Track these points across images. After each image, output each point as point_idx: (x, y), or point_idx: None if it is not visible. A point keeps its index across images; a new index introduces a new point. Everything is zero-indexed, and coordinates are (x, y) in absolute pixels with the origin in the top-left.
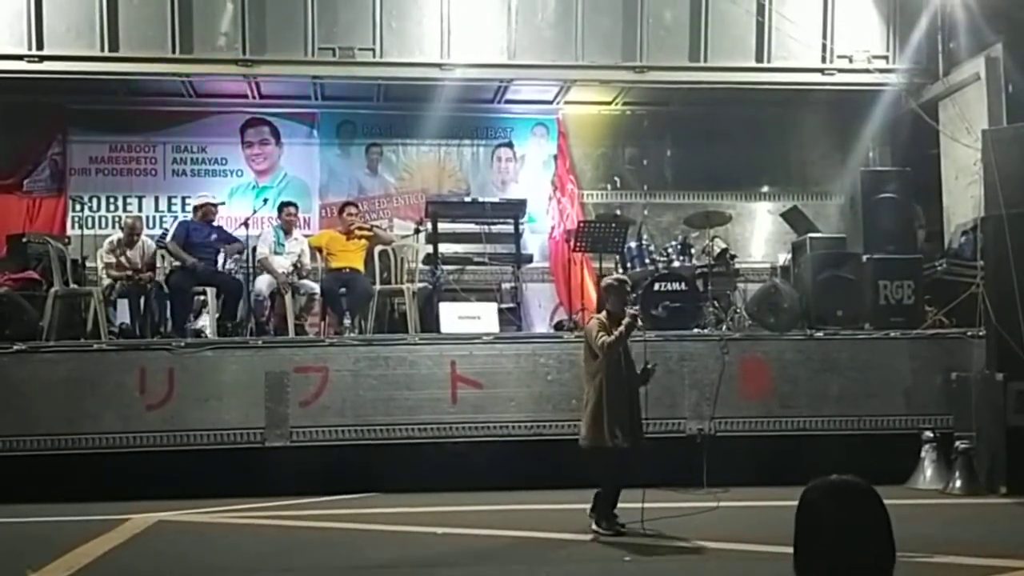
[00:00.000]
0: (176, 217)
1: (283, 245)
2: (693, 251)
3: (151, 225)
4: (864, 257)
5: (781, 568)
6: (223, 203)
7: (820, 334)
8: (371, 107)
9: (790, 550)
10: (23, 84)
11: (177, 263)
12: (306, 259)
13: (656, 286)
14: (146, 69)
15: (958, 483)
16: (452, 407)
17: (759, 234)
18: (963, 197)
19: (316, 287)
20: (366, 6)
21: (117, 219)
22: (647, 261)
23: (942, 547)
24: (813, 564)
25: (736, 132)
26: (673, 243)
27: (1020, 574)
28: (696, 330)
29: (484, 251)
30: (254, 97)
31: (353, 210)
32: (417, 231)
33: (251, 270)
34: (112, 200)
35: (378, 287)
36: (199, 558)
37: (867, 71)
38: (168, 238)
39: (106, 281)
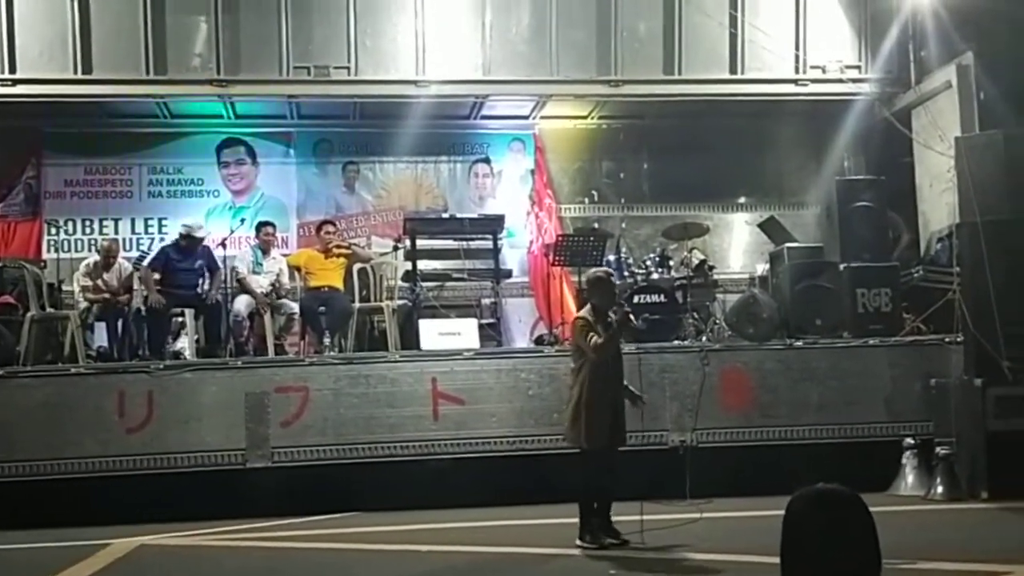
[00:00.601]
0: (153, 239)
1: (261, 265)
2: (671, 263)
3: (128, 247)
4: (841, 266)
5: None
6: (205, 234)
7: (799, 343)
8: (347, 125)
9: (775, 560)
10: None
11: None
12: (284, 278)
13: (635, 299)
14: (120, 91)
15: (939, 489)
16: (434, 424)
17: (737, 245)
18: (938, 204)
19: (295, 306)
20: (340, 24)
21: (93, 242)
22: (626, 274)
23: (925, 553)
24: (799, 573)
25: (712, 143)
26: (651, 255)
27: None
28: (676, 342)
29: (463, 267)
30: (230, 117)
31: (331, 228)
32: (395, 248)
33: (229, 290)
34: (88, 223)
35: (357, 305)
36: None
37: (840, 81)
38: (145, 262)
39: (83, 304)
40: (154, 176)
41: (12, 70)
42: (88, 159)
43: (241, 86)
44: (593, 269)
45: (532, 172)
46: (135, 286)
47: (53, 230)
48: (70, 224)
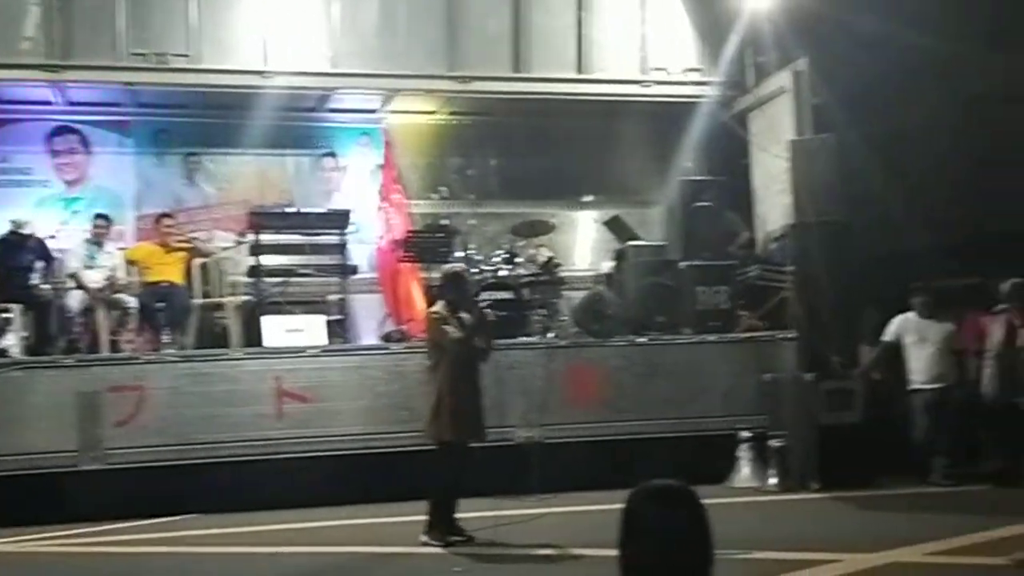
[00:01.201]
0: None
1: (95, 258)
2: (519, 260)
3: None
4: (682, 264)
5: (607, 571)
6: (33, 229)
7: (643, 340)
8: (189, 115)
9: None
10: None
11: None
12: (121, 273)
13: (483, 295)
14: None
15: (773, 480)
16: (278, 423)
17: (583, 242)
18: (774, 205)
19: (132, 302)
20: (180, 11)
21: None
22: (474, 270)
23: (759, 543)
24: (636, 566)
25: (559, 142)
26: (499, 252)
27: (832, 566)
28: (523, 338)
29: (309, 263)
30: (62, 104)
31: (170, 221)
32: (239, 243)
33: (60, 285)
34: None
35: (198, 301)
36: None
37: (682, 84)
38: None
39: None
40: None
41: None
42: None
43: (74, 72)
44: (450, 265)
45: (380, 167)
46: None
47: None
48: None
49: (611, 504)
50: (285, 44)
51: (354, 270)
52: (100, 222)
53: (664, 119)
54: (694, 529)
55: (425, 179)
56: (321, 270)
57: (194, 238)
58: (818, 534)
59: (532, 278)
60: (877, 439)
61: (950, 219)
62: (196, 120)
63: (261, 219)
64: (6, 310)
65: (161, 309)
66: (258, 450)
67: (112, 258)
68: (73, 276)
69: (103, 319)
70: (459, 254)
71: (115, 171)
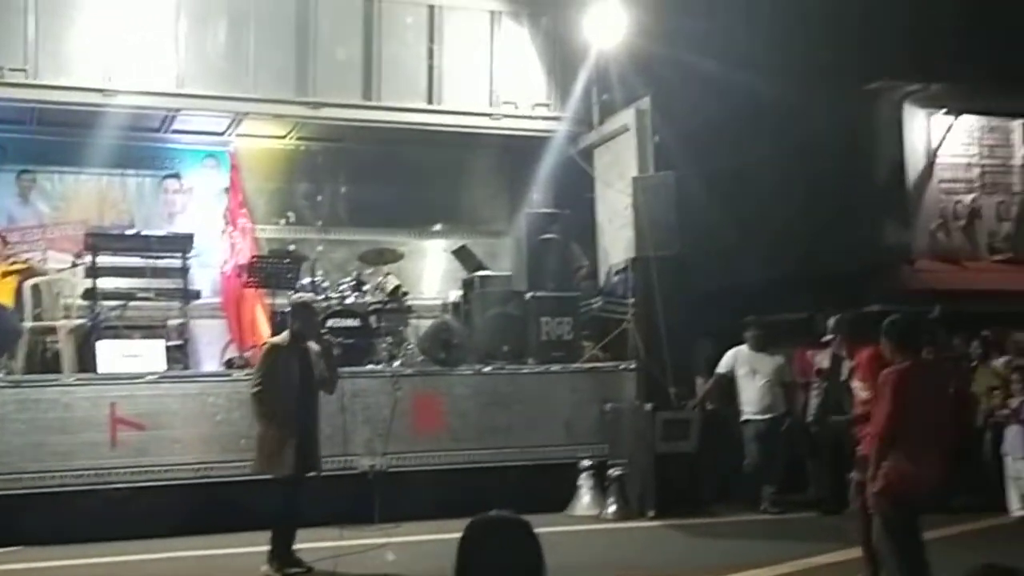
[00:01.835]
0: None
1: None
2: (366, 287)
3: None
4: (528, 295)
5: None
6: None
7: (487, 369)
8: (24, 131)
9: None
10: None
11: None
12: None
13: (329, 322)
14: None
15: (612, 508)
16: (112, 451)
17: (431, 271)
18: (617, 239)
19: None
20: (17, 24)
21: None
22: (320, 297)
23: (595, 571)
24: None
25: (410, 171)
26: (347, 279)
27: None
28: (369, 366)
29: (149, 286)
30: None
31: None
32: (75, 264)
33: None
34: None
35: (29, 324)
36: None
37: (531, 118)
38: None
39: None
40: None
41: None
42: None
43: None
44: (299, 294)
45: (226, 190)
46: None
47: None
48: None
49: (452, 533)
50: (129, 62)
51: (196, 295)
52: None
53: (513, 152)
54: (528, 559)
55: (272, 204)
56: (161, 294)
57: (27, 259)
58: (653, 561)
59: (379, 306)
60: (711, 468)
61: (780, 256)
62: (32, 136)
63: (99, 240)
64: None
65: None
66: (90, 480)
67: None
68: None
69: None
70: (306, 280)
71: None
